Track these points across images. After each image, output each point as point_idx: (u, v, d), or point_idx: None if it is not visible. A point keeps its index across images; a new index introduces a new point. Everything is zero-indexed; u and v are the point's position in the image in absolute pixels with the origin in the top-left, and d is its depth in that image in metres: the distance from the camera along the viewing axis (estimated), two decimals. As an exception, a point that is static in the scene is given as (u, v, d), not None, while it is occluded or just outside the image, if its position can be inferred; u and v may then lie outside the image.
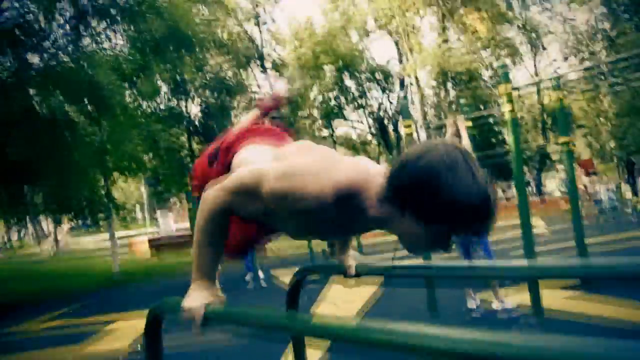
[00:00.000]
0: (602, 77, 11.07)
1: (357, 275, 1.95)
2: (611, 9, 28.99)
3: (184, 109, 20.94)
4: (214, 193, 1.41)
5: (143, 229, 39.95)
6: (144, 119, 14.64)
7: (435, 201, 1.12)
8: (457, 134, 5.84)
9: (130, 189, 37.60)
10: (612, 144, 28.64)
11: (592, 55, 30.58)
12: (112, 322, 7.74)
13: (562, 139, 7.03)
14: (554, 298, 5.66)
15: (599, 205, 16.83)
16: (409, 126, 7.30)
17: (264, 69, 29.64)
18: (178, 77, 18.10)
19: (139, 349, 5.85)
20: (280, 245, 16.81)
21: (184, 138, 20.63)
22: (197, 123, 21.33)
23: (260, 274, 10.42)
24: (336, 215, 1.32)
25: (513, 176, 6.49)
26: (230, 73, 23.60)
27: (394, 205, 1.19)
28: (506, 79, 6.15)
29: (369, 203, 1.27)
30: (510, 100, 5.93)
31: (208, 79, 21.21)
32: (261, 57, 29.33)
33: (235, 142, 1.84)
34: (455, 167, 1.11)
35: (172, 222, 33.88)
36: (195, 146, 21.10)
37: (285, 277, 9.83)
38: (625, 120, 27.04)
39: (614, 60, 6.09)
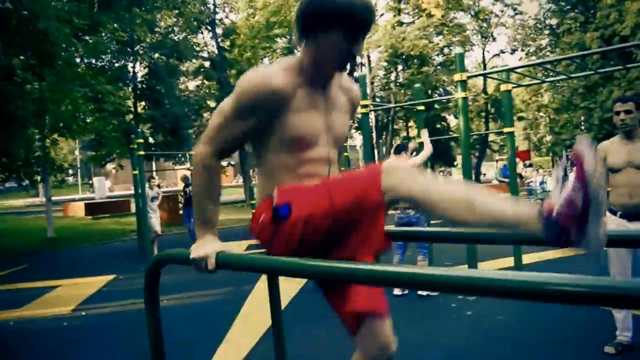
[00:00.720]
0: (546, 73, 11.47)
1: None
2: (559, 6, 30.03)
3: (130, 69, 20.15)
4: (202, 143, 1.57)
5: (76, 194, 38.67)
6: (89, 78, 13.96)
7: (321, 11, 1.45)
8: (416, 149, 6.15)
9: (63, 152, 36.10)
10: (549, 138, 29.87)
11: (538, 49, 31.72)
12: (54, 287, 7.57)
13: (507, 129, 7.32)
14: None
15: (532, 195, 17.80)
16: (365, 106, 7.37)
17: (214, 35, 28.93)
18: (126, 36, 17.35)
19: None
20: (226, 218, 16.74)
21: (129, 102, 19.89)
22: (143, 86, 20.56)
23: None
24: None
25: (462, 160, 6.71)
26: (181, 36, 22.89)
27: (301, 38, 1.53)
28: (462, 67, 6.34)
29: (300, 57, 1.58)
30: (465, 88, 6.14)
31: (158, 40, 20.47)
32: (212, 22, 28.59)
33: None
34: None
35: (107, 187, 32.94)
36: (140, 110, 20.44)
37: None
38: (563, 115, 28.34)
39: (559, 59, 6.37)
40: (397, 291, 5.90)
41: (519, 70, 9.09)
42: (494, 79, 7.24)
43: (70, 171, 43.30)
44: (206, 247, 1.54)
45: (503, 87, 7.22)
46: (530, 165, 22.09)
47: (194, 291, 6.72)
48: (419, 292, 5.82)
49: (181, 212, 13.01)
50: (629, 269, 3.71)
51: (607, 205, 3.88)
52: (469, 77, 6.56)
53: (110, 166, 25.66)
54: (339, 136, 1.68)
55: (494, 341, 4.19)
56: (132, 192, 11.86)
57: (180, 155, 20.05)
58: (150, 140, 19.88)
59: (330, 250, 1.49)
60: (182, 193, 12.12)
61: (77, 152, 40.80)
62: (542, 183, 18.15)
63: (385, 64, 25.84)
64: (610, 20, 25.44)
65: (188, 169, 12.88)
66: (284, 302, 5.57)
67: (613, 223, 3.72)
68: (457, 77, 6.24)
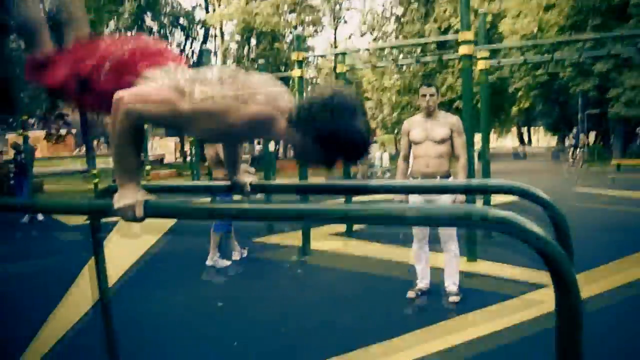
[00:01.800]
0: (391, 58, 12.46)
1: (254, 192, 2.10)
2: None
3: None
4: (132, 99, 1.47)
5: None
6: None
7: (334, 135, 1.44)
8: None
9: None
10: (393, 117, 32.15)
11: (384, 34, 33.80)
12: None
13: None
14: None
15: (372, 168, 19.44)
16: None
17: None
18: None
19: None
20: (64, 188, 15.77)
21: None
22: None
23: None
24: (246, 134, 1.65)
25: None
26: None
27: (299, 130, 1.49)
28: (299, 47, 6.79)
29: (276, 129, 1.55)
30: (301, 66, 6.59)
31: None
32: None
33: (131, 64, 1.75)
34: (353, 112, 1.45)
35: None
36: None
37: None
38: (405, 97, 30.76)
39: (401, 45, 7.10)
40: (235, 256, 6.20)
41: (366, 53, 9.78)
42: (329, 65, 7.79)
43: None
44: (130, 196, 1.50)
45: (339, 69, 7.84)
46: (375, 142, 24.01)
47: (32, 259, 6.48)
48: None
49: (12, 182, 11.94)
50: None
51: (410, 174, 4.56)
52: (305, 58, 7.02)
53: None
54: None
55: (321, 296, 4.75)
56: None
57: (11, 120, 18.24)
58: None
59: None
60: (13, 161, 11.20)
61: None
62: (380, 158, 19.90)
63: (238, 37, 25.77)
64: (447, 15, 27.96)
65: (20, 134, 11.87)
66: (125, 267, 5.64)
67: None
68: (294, 56, 6.67)
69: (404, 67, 28.70)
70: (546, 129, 43.26)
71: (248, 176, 2.13)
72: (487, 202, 6.71)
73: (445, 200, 4.18)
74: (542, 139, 49.50)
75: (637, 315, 3.90)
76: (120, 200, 1.51)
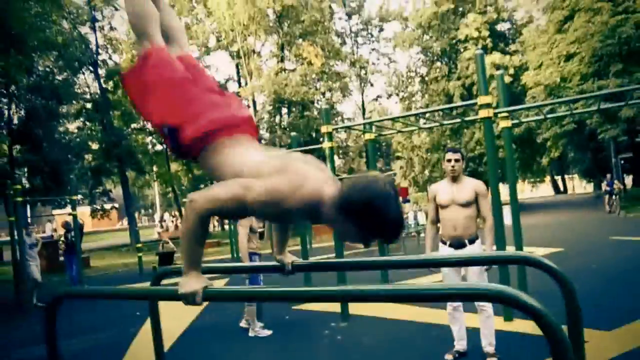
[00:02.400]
0: (417, 119, 12.78)
1: (292, 272, 2.33)
2: (427, 56, 33.22)
3: (6, 112, 19.15)
4: (203, 202, 1.74)
5: None
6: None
7: (372, 220, 1.67)
8: None
9: None
10: (425, 174, 32.40)
11: (410, 95, 34.62)
12: None
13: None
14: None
15: (407, 227, 19.47)
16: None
17: (97, 76, 28.33)
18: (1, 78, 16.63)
19: None
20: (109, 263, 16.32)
21: (4, 146, 18.81)
22: (20, 129, 19.57)
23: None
24: (301, 214, 1.89)
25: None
26: (61, 77, 22.19)
27: (341, 214, 1.72)
28: (327, 119, 7.24)
29: (324, 209, 1.78)
30: (331, 138, 7.00)
31: (36, 82, 19.69)
32: (95, 63, 28.03)
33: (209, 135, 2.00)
34: (389, 200, 1.67)
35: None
36: (16, 154, 19.38)
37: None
38: (434, 155, 31.05)
39: (424, 112, 7.49)
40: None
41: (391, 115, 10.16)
42: (357, 130, 8.20)
43: None
44: (193, 283, 1.74)
45: (367, 136, 8.25)
46: (408, 201, 24.09)
47: (80, 336, 6.80)
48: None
49: (61, 258, 12.47)
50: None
51: (439, 237, 4.78)
52: (334, 129, 7.44)
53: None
54: None
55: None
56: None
57: (60, 200, 19.20)
58: (27, 185, 18.89)
59: None
60: (63, 239, 11.80)
61: None
62: (415, 218, 19.82)
63: (269, 108, 26.76)
64: (470, 72, 28.59)
65: (70, 214, 12.57)
66: (170, 341, 5.92)
67: (444, 251, 4.59)
68: (323, 129, 7.11)
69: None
70: (580, 176, 42.62)
71: (290, 257, 2.36)
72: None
73: (473, 268, 4.38)
74: (578, 186, 48.67)
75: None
76: (184, 286, 1.74)
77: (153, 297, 2.03)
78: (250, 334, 6.11)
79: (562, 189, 48.66)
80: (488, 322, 4.51)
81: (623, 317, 5.12)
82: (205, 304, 1.82)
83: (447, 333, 4.81)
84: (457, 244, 4.56)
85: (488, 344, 4.50)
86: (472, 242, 4.54)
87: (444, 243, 4.68)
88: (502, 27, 32.65)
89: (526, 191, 46.47)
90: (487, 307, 4.50)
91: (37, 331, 7.69)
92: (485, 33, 29.34)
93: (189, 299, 1.73)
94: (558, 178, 49.27)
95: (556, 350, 1.22)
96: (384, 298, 1.44)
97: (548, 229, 16.60)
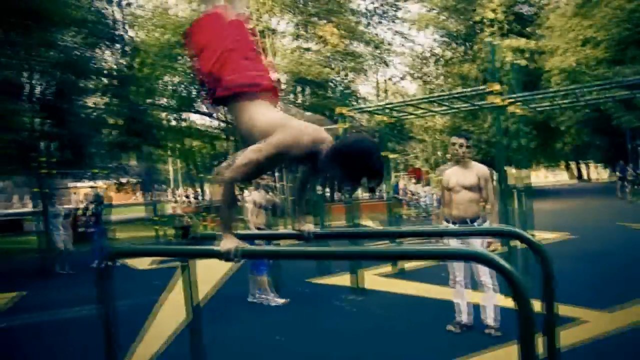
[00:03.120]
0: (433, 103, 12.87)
1: (312, 239, 2.63)
2: (444, 38, 32.95)
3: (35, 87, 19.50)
4: (228, 173, 2.17)
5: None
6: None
7: (358, 164, 2.05)
8: None
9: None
10: (438, 155, 32.50)
11: (425, 75, 34.44)
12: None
13: (391, 155, 8.58)
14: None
15: (418, 207, 19.98)
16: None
17: (124, 52, 28.52)
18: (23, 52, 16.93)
19: None
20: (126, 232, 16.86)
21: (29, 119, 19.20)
22: (48, 103, 19.93)
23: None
24: (302, 160, 2.26)
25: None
26: (88, 54, 22.40)
27: (334, 160, 2.10)
28: (344, 102, 7.53)
29: (320, 156, 2.17)
30: (345, 120, 7.30)
31: (62, 58, 19.97)
32: (113, 39, 28.19)
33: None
34: (371, 150, 2.07)
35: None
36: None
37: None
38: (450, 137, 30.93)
39: (436, 95, 7.64)
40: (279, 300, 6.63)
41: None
42: (372, 112, 8.45)
43: None
44: (229, 243, 2.10)
45: (379, 119, 8.51)
46: (419, 182, 24.45)
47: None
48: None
49: (90, 230, 12.54)
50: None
51: (448, 217, 5.07)
52: (349, 110, 7.71)
53: None
54: None
55: (371, 330, 5.36)
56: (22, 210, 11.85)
57: (83, 173, 19.70)
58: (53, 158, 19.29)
59: None
60: (92, 211, 12.00)
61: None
62: (429, 203, 20.31)
63: (285, 86, 26.93)
64: (483, 55, 28.39)
65: (91, 186, 12.93)
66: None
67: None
68: (338, 110, 7.39)
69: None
70: (596, 162, 42.37)
71: (309, 226, 2.67)
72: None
73: (475, 242, 4.68)
74: (593, 172, 48.39)
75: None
76: (224, 246, 2.11)
77: (195, 255, 2.43)
78: (265, 302, 6.50)
79: (577, 175, 48.40)
80: (490, 297, 4.81)
81: (620, 298, 5.41)
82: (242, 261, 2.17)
83: (451, 307, 5.11)
84: (460, 222, 4.88)
85: (490, 317, 4.80)
86: (473, 221, 4.84)
87: (449, 222, 5.00)
88: (520, 8, 32.16)
89: (544, 177, 46.30)
90: (489, 282, 4.80)
91: (62, 295, 8.18)
92: (502, 16, 28.99)
93: (227, 255, 2.08)
94: (574, 165, 48.96)
95: (520, 305, 1.52)
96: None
97: (559, 214, 16.77)
